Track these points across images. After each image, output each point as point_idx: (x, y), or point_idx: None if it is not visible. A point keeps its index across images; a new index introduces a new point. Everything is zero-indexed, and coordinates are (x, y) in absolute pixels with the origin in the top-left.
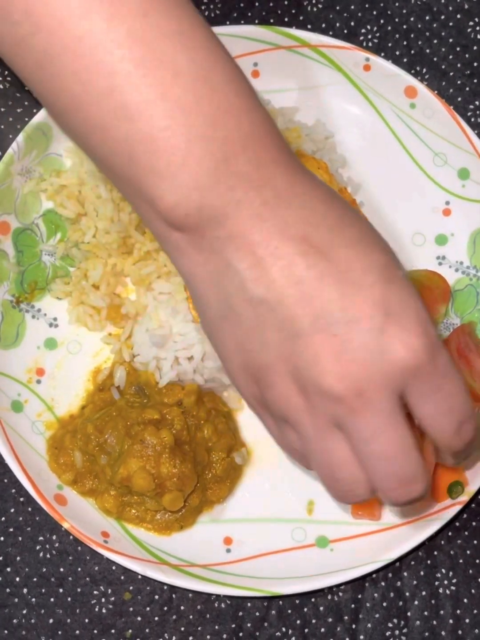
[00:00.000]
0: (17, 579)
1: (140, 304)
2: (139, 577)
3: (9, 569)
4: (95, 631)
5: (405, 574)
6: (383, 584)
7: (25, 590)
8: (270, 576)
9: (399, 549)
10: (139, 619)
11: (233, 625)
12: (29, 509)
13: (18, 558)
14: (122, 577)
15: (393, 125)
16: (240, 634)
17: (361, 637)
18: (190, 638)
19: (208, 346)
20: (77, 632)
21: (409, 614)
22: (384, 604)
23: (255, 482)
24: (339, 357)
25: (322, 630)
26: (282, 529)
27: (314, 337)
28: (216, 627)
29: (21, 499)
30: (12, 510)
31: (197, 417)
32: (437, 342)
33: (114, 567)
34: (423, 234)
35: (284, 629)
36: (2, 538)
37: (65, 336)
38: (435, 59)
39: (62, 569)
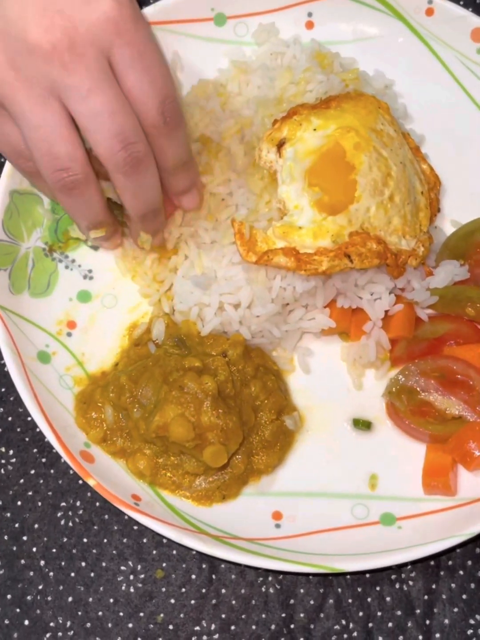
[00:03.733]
0: (34, 549)
1: (182, 254)
2: (174, 552)
3: (25, 538)
4: (121, 614)
5: None
6: (462, 572)
7: (42, 563)
8: (328, 552)
9: None
10: (172, 601)
11: (283, 615)
12: (52, 471)
13: (36, 526)
14: (154, 552)
15: (458, 75)
16: (292, 626)
17: (437, 635)
18: (232, 628)
19: (257, 289)
20: (100, 613)
21: None
22: (464, 597)
23: (308, 452)
24: (44, 10)
25: (390, 625)
26: (341, 505)
27: None
28: (263, 615)
29: (43, 460)
30: (33, 471)
31: (244, 372)
32: (142, 16)
33: (145, 540)
34: None
35: (343, 622)
36: (19, 503)
37: (101, 289)
38: None
39: (85, 540)
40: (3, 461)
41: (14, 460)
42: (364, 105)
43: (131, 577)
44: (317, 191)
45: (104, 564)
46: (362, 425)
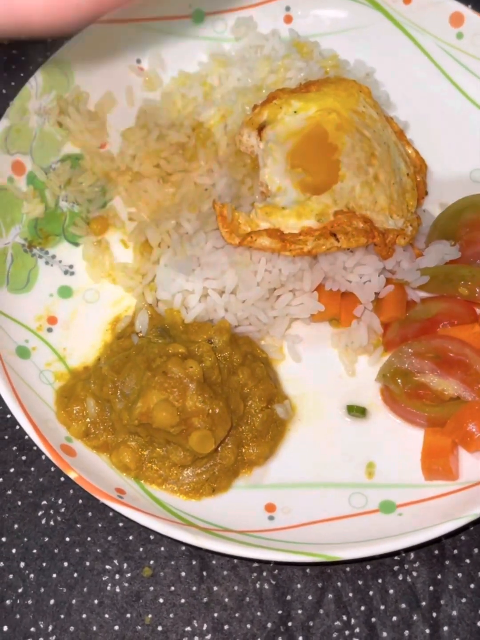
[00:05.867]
0: (14, 550)
1: (165, 242)
2: (162, 549)
3: (4, 539)
4: (107, 616)
5: None
6: (468, 561)
7: (22, 565)
8: (324, 541)
9: None
10: (160, 600)
11: (279, 612)
12: (32, 469)
13: (16, 526)
14: (141, 549)
15: (439, 61)
16: (289, 624)
17: (445, 628)
18: (226, 627)
19: (242, 272)
20: (84, 616)
21: None
22: (472, 586)
23: (301, 441)
24: None
25: (394, 619)
26: (337, 494)
27: None
28: (258, 613)
29: (23, 457)
30: (12, 470)
31: (231, 359)
32: None
33: (131, 537)
34: None
35: (345, 618)
36: None
37: (82, 284)
38: None
39: (68, 539)
40: None
41: None
42: (345, 88)
43: (117, 576)
44: (300, 172)
45: (87, 564)
46: (357, 411)
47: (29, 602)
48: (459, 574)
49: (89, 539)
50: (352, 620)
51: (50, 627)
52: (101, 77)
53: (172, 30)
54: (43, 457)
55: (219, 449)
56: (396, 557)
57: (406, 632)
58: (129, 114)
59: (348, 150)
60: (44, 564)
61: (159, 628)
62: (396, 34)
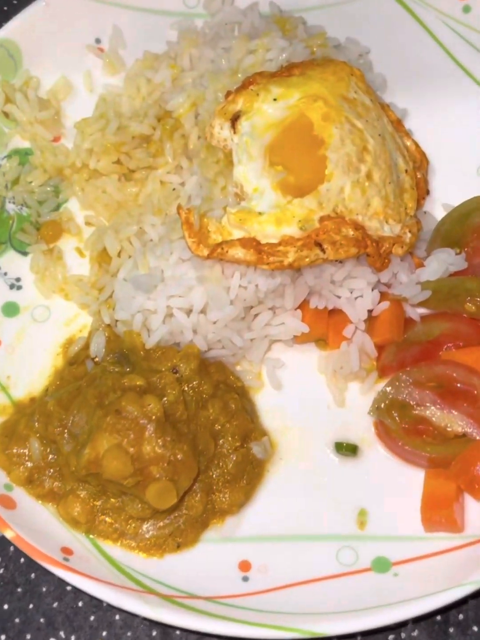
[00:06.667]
0: None
1: (126, 251)
2: (117, 618)
3: None
4: None
5: None
6: (476, 628)
7: None
8: (308, 611)
9: None
10: None
11: None
12: None
13: None
14: (92, 618)
15: (442, 38)
16: None
17: None
18: None
19: (212, 289)
20: None
21: None
22: None
23: (282, 485)
24: None
25: None
26: (323, 549)
27: None
28: None
29: None
30: None
31: (200, 390)
32: None
33: (80, 603)
34: None
35: None
36: None
37: (31, 300)
38: None
39: (6, 607)
40: None
41: None
42: (334, 71)
43: None
44: (280, 170)
45: (28, 637)
46: (347, 449)
47: None
48: None
49: (31, 606)
50: None
51: None
52: (54, 60)
53: (136, 5)
54: None
55: (185, 498)
56: (392, 625)
57: None
58: (88, 102)
59: (336, 144)
60: None
61: None
62: (394, 8)
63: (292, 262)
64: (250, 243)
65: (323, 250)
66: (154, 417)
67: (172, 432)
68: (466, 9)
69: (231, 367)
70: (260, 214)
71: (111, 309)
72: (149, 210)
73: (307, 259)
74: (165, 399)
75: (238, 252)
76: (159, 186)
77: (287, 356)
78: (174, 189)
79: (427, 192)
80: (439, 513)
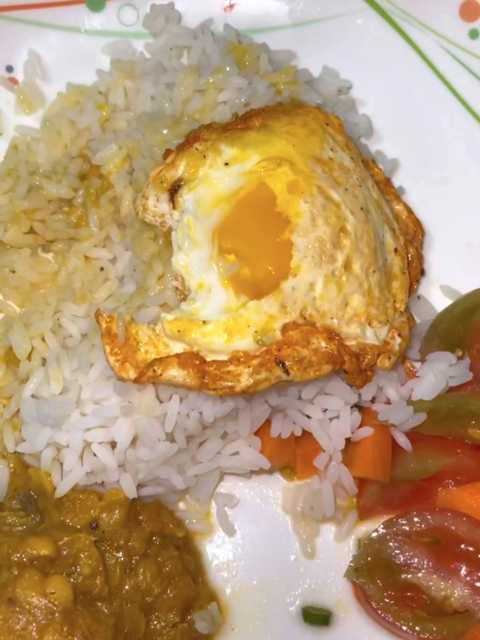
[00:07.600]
0: None
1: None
2: None
3: None
4: None
5: None
6: None
7: None
8: None
9: None
10: None
11: None
12: None
13: None
14: None
15: (443, 70)
16: None
17: None
18: None
19: (144, 422)
20: None
21: None
22: None
23: None
24: None
25: None
26: None
27: None
28: None
29: None
30: None
31: (128, 549)
32: None
33: None
34: None
35: None
36: None
37: None
38: None
39: None
40: None
41: None
42: (304, 121)
43: None
44: (233, 261)
45: None
46: (317, 619)
47: None
48: None
49: None
50: None
51: None
52: None
53: (57, 22)
54: None
55: None
56: None
57: None
58: None
59: (305, 224)
60: None
61: None
62: (383, 30)
63: (245, 388)
64: (191, 361)
65: (286, 371)
66: (59, 608)
67: (84, 623)
68: (473, 34)
69: (171, 508)
70: (204, 322)
71: (17, 431)
72: (70, 296)
73: (265, 383)
74: (78, 570)
75: (176, 375)
76: (83, 263)
77: (242, 490)
78: (101, 269)
79: (422, 273)
80: None
